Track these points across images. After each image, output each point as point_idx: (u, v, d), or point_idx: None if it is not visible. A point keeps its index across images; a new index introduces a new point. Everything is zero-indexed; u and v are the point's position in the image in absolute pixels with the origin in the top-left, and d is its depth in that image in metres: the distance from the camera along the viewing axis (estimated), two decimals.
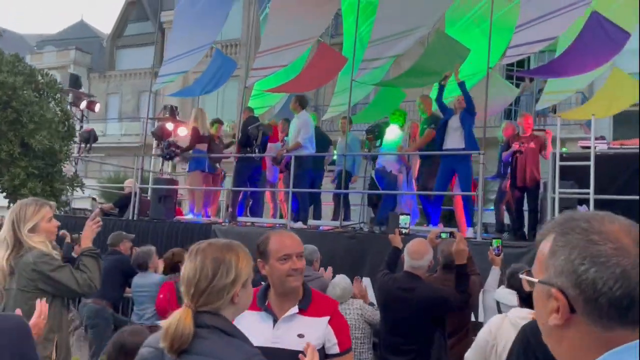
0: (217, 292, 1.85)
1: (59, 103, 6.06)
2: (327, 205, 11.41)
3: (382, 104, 12.87)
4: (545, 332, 1.17)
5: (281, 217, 11.07)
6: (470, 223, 8.94)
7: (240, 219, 10.49)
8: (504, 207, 10.03)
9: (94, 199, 14.72)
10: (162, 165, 13.36)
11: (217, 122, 11.40)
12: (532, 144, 8.52)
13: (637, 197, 6.92)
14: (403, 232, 5.21)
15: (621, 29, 8.21)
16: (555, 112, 15.53)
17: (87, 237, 3.67)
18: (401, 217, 5.35)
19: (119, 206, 11.87)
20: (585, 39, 8.25)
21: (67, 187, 6.48)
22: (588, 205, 7.46)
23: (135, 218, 10.98)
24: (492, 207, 10.45)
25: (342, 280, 5.30)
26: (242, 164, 10.53)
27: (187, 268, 1.89)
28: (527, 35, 8.34)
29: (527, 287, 1.25)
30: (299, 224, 9.78)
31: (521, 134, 8.80)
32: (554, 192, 7.61)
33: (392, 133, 9.61)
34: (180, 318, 1.82)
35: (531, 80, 13.09)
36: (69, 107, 6.88)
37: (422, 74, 9.41)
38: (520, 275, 1.28)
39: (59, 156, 6.22)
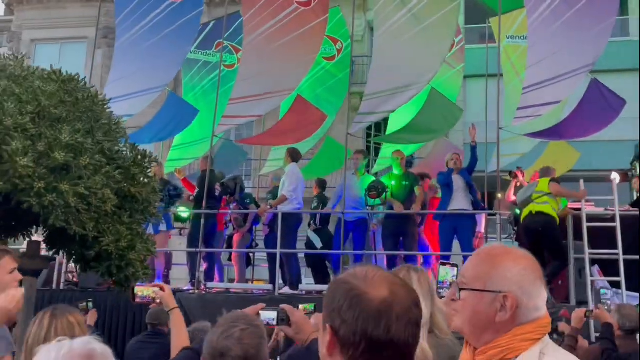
0: None
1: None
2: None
3: (325, 159, 12.41)
4: None
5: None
6: None
7: (210, 285, 9.21)
8: None
9: None
10: None
11: None
12: None
13: None
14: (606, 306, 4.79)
15: (617, 96, 8.69)
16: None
17: None
18: (602, 290, 4.89)
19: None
20: (587, 104, 8.60)
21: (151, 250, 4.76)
22: (617, 265, 7.55)
23: (62, 287, 9.16)
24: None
25: None
26: (198, 222, 9.31)
27: None
28: (535, 98, 8.47)
29: None
30: (286, 289, 8.81)
31: None
32: (581, 253, 7.63)
33: None
34: None
35: None
36: None
37: (418, 132, 9.16)
38: None
39: (151, 210, 4.55)
